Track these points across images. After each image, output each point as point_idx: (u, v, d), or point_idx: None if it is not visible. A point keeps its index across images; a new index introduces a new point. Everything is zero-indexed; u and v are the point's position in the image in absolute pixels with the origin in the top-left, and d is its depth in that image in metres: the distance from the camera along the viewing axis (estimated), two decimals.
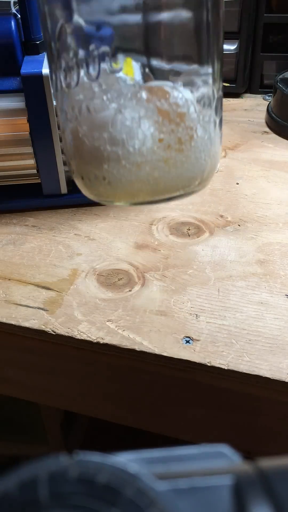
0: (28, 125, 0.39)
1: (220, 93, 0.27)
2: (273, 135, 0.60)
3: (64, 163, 0.43)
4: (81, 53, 0.23)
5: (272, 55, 0.71)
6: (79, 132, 0.25)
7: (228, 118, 0.66)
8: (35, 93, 0.38)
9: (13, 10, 0.38)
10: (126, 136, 0.24)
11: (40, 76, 0.37)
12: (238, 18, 0.66)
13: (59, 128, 0.40)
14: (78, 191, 0.46)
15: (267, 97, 0.72)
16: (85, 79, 0.24)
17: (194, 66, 0.25)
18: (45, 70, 0.37)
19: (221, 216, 0.45)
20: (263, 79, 0.73)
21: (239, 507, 0.11)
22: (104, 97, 0.24)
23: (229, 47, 0.68)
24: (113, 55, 0.23)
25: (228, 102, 0.71)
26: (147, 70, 0.24)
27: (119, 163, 0.25)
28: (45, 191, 0.45)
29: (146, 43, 0.24)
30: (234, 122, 0.64)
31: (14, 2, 0.39)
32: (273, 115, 0.62)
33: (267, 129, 0.62)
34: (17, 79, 0.38)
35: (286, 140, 0.59)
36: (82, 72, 0.24)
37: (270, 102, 0.65)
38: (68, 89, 0.25)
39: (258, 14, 0.67)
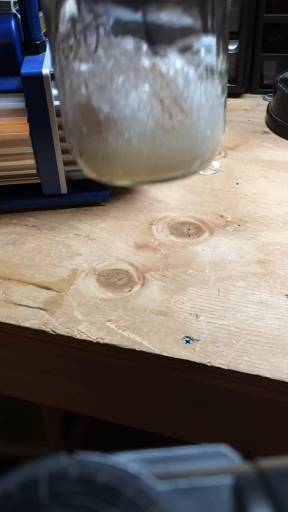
0: (28, 125, 0.39)
1: (225, 67, 0.26)
2: (273, 135, 0.60)
3: (64, 163, 0.43)
4: (80, 21, 0.23)
5: (272, 55, 0.71)
6: (78, 106, 0.25)
7: (228, 118, 0.66)
8: (35, 93, 0.38)
9: (13, 10, 0.38)
10: (124, 107, 0.24)
11: (40, 76, 0.37)
12: (238, 18, 0.66)
13: (59, 129, 0.40)
14: (78, 191, 0.46)
15: (267, 97, 0.72)
16: (84, 49, 0.23)
17: (196, 31, 0.24)
18: (45, 70, 0.37)
19: (221, 216, 0.45)
20: (263, 79, 0.73)
21: (239, 507, 0.11)
22: (104, 67, 0.23)
23: (229, 47, 0.68)
24: (112, 25, 0.23)
25: (228, 102, 0.71)
26: (146, 37, 0.23)
27: (117, 136, 0.24)
28: (45, 191, 0.45)
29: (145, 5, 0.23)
30: (234, 122, 0.64)
31: (14, 2, 0.39)
32: (273, 115, 0.62)
33: (267, 129, 0.62)
34: (17, 79, 0.38)
35: (286, 140, 0.59)
36: (81, 42, 0.23)
37: (270, 102, 0.65)
38: (67, 60, 0.24)
39: (258, 14, 0.67)
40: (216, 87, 0.26)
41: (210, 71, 0.25)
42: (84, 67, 0.24)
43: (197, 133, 0.26)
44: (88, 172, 0.28)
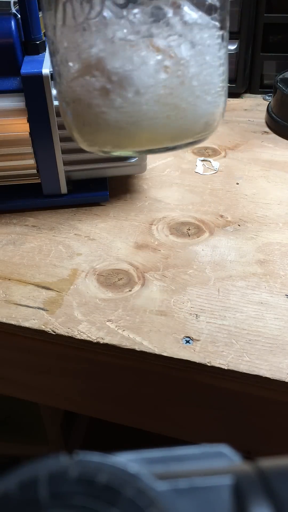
0: (28, 125, 0.39)
1: (226, 24, 0.26)
2: (273, 135, 0.60)
3: (64, 163, 0.43)
4: None
5: (272, 55, 0.71)
6: (76, 70, 0.24)
7: (228, 118, 0.66)
8: (35, 93, 0.38)
9: (13, 10, 0.38)
10: (123, 64, 0.23)
11: (40, 76, 0.37)
12: (238, 18, 0.66)
13: (59, 129, 0.40)
14: (78, 191, 0.46)
15: (267, 97, 0.72)
16: (85, 10, 0.23)
17: None
18: (45, 70, 0.37)
19: (221, 216, 0.45)
20: (263, 79, 0.73)
21: (239, 507, 0.11)
22: (107, 27, 0.23)
23: (229, 47, 0.68)
24: None
25: (228, 102, 0.71)
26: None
27: (116, 98, 0.24)
28: (45, 191, 0.45)
29: None
30: (234, 122, 0.64)
31: (14, 2, 0.39)
32: (273, 115, 0.62)
33: (267, 129, 0.62)
34: (17, 79, 0.38)
35: (286, 140, 0.59)
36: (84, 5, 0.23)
37: (270, 102, 0.65)
38: (63, 24, 0.24)
39: (258, 14, 0.67)
40: (217, 41, 0.26)
41: (213, 28, 0.25)
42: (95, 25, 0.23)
43: (200, 95, 0.25)
44: (86, 146, 0.27)
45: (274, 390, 0.30)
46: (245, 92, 0.74)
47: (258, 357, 0.31)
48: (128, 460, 0.12)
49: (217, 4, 0.25)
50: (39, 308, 0.35)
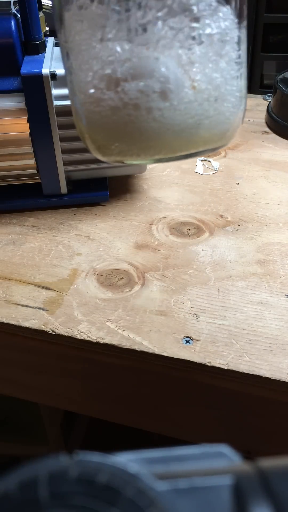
0: (28, 125, 0.39)
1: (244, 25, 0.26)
2: (273, 135, 0.60)
3: (64, 163, 0.43)
4: None
5: (272, 55, 0.71)
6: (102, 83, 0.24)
7: None
8: (35, 93, 0.38)
9: (13, 10, 0.38)
10: (154, 79, 0.23)
11: (40, 76, 0.37)
12: None
13: (59, 129, 0.40)
14: (78, 191, 0.46)
15: (267, 97, 0.72)
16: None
17: None
18: (45, 70, 0.37)
19: (221, 216, 0.45)
20: (263, 79, 0.73)
21: (239, 507, 0.11)
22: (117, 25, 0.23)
23: None
24: None
25: None
26: None
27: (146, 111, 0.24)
28: (45, 191, 0.45)
29: None
30: None
31: (14, 2, 0.39)
32: (273, 115, 0.62)
33: (267, 129, 0.62)
34: (17, 79, 0.38)
35: (286, 140, 0.59)
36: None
37: (270, 102, 0.65)
38: (64, 17, 0.23)
39: (258, 14, 0.67)
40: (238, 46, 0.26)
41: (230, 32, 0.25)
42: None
43: (227, 97, 0.25)
44: (101, 156, 0.27)
45: (274, 390, 0.30)
46: None
47: (258, 357, 0.31)
48: (128, 460, 0.12)
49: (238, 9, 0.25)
50: (39, 308, 0.35)
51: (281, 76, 0.63)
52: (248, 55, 0.72)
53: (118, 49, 0.23)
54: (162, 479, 0.11)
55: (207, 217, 0.44)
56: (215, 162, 0.54)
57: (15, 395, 0.42)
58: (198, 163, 0.53)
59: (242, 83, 0.26)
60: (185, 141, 0.25)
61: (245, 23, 0.26)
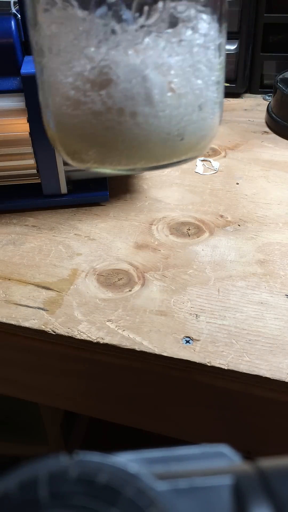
0: (28, 125, 0.39)
1: (224, 34, 0.25)
2: (273, 135, 0.60)
3: (64, 163, 0.43)
4: None
5: (272, 55, 0.71)
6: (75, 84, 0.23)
7: (228, 118, 0.66)
8: (35, 93, 0.38)
9: (13, 10, 0.38)
10: (127, 82, 0.23)
11: None
12: (238, 18, 0.66)
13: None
14: (78, 191, 0.46)
15: (267, 97, 0.72)
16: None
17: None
18: None
19: (221, 216, 0.45)
20: (263, 79, 0.73)
21: (239, 507, 0.11)
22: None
23: (229, 47, 0.68)
24: None
25: (228, 102, 0.71)
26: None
27: (116, 117, 0.23)
28: (45, 191, 0.45)
29: None
30: (234, 122, 0.64)
31: (14, 2, 0.39)
32: (273, 115, 0.62)
33: (267, 129, 0.62)
34: (17, 79, 0.38)
35: (286, 140, 0.59)
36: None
37: (270, 102, 0.65)
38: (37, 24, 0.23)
39: (258, 14, 0.67)
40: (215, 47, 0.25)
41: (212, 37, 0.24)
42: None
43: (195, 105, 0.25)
44: (76, 159, 0.26)
45: (274, 390, 0.30)
46: (245, 92, 0.74)
47: (258, 357, 0.31)
48: (128, 460, 0.12)
49: (218, 15, 0.24)
50: (39, 308, 0.35)
51: (281, 76, 0.63)
52: (248, 55, 0.72)
53: (101, 52, 0.23)
54: (162, 479, 0.11)
55: (207, 217, 0.44)
56: (215, 162, 0.54)
57: (15, 395, 0.42)
58: (198, 163, 0.53)
59: (221, 89, 0.26)
60: (168, 149, 0.25)
61: (225, 27, 0.25)
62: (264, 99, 0.72)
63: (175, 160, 0.26)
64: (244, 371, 0.30)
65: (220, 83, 0.26)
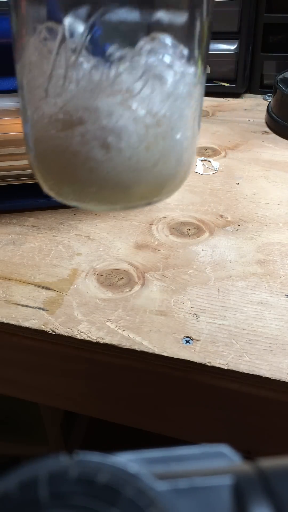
0: None
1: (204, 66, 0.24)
2: (273, 135, 0.60)
3: None
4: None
5: (272, 55, 0.71)
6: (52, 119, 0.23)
7: (228, 118, 0.66)
8: None
9: None
10: (101, 118, 0.22)
11: None
12: (238, 18, 0.66)
13: None
14: None
15: (267, 97, 0.72)
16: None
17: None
18: None
19: (221, 216, 0.45)
20: (263, 79, 0.73)
21: (239, 507, 0.11)
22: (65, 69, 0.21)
23: (229, 47, 0.68)
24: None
25: (228, 102, 0.71)
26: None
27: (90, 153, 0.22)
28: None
29: None
30: (234, 122, 0.64)
31: None
32: (273, 115, 0.62)
33: (267, 129, 0.62)
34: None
35: (286, 140, 0.59)
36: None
37: (270, 102, 0.65)
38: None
39: (258, 14, 0.67)
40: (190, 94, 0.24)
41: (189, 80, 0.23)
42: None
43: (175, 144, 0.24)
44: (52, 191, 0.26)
45: (274, 390, 0.30)
46: (245, 92, 0.74)
47: (258, 357, 0.31)
48: (128, 460, 0.12)
49: (197, 52, 0.23)
50: (39, 308, 0.35)
51: (281, 76, 0.63)
52: (248, 55, 0.72)
53: (68, 93, 0.22)
54: (162, 479, 0.11)
55: (207, 217, 0.44)
56: (215, 162, 0.54)
57: (15, 395, 0.42)
58: (198, 163, 0.53)
59: (197, 126, 0.25)
60: (140, 190, 0.24)
61: (204, 72, 0.25)
62: (264, 99, 0.72)
63: (144, 201, 0.25)
64: (244, 371, 0.30)
65: (195, 122, 0.25)
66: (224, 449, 0.13)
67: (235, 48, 0.68)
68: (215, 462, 0.12)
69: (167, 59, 0.22)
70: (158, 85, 0.22)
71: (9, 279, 0.37)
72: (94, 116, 0.22)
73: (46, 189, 0.26)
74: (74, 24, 0.21)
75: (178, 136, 0.24)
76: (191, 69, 0.23)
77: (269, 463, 0.12)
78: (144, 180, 0.24)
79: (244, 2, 0.65)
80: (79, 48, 0.21)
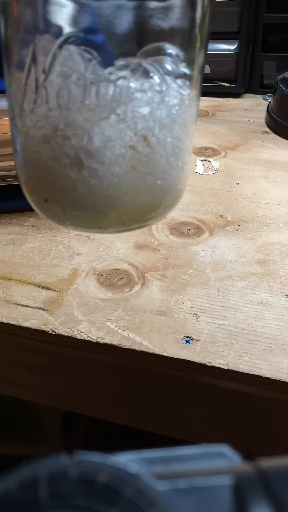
0: None
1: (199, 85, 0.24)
2: (273, 135, 0.60)
3: None
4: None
5: (272, 55, 0.71)
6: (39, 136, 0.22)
7: (228, 118, 0.66)
8: None
9: None
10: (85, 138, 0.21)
11: None
12: (238, 18, 0.66)
13: None
14: None
15: (267, 97, 0.72)
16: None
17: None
18: None
19: (221, 216, 0.45)
20: (263, 79, 0.73)
21: (239, 507, 0.11)
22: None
23: (229, 47, 0.68)
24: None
25: (228, 102, 0.71)
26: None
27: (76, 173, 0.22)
28: None
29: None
30: (234, 122, 0.64)
31: None
32: (273, 115, 0.62)
33: (267, 129, 0.62)
34: None
35: (286, 140, 0.59)
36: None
37: (270, 102, 0.65)
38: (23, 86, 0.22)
39: (258, 14, 0.67)
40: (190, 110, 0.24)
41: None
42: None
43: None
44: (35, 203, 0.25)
45: (274, 390, 0.30)
46: (245, 92, 0.74)
47: (258, 357, 0.31)
48: (128, 460, 0.12)
49: (190, 73, 0.23)
50: (39, 308, 0.35)
51: (281, 76, 0.63)
52: (248, 55, 0.72)
53: (42, 108, 0.22)
54: (162, 479, 0.11)
55: (207, 217, 0.44)
56: (215, 162, 0.54)
57: (15, 395, 0.42)
58: (198, 163, 0.53)
59: (190, 148, 0.25)
60: (142, 209, 0.24)
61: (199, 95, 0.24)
62: (264, 99, 0.72)
63: (123, 228, 0.25)
64: (244, 371, 0.30)
65: (187, 154, 0.24)
66: (224, 449, 0.13)
67: (235, 48, 0.68)
68: (215, 462, 0.12)
69: (141, 85, 0.21)
70: (135, 109, 0.21)
71: (9, 279, 0.37)
72: (67, 134, 0.22)
73: (34, 207, 0.26)
74: (44, 44, 0.21)
75: (153, 164, 0.23)
76: (173, 97, 0.22)
77: (269, 463, 0.12)
78: (116, 207, 0.23)
79: (244, 2, 0.65)
80: (48, 68, 0.21)
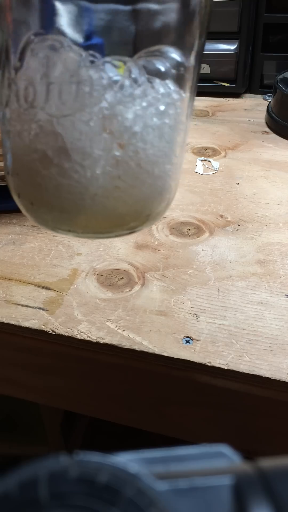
0: None
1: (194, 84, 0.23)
2: (273, 135, 0.60)
3: None
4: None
5: (272, 55, 0.71)
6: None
7: (228, 118, 0.66)
8: None
9: None
10: (74, 138, 0.21)
11: None
12: (238, 18, 0.66)
13: None
14: None
15: (267, 97, 0.72)
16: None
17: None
18: None
19: (221, 216, 0.45)
20: (263, 79, 0.73)
21: (239, 507, 0.11)
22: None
23: (229, 47, 0.68)
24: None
25: (228, 102, 0.71)
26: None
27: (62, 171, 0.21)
28: None
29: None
30: (234, 122, 0.64)
31: None
32: (273, 115, 0.62)
33: (267, 129, 0.62)
34: None
35: (286, 140, 0.59)
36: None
37: (270, 102, 0.65)
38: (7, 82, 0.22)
39: (258, 14, 0.67)
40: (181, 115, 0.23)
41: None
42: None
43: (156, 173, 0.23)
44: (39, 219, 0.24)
45: (274, 390, 0.30)
46: (245, 92, 0.74)
47: (258, 357, 0.31)
48: (128, 460, 0.12)
49: (186, 75, 0.22)
50: (39, 308, 0.35)
51: (281, 76, 0.63)
52: (248, 55, 0.72)
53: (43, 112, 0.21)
54: (162, 479, 0.11)
55: (207, 217, 0.44)
56: (215, 162, 0.54)
57: (15, 395, 0.42)
58: (198, 163, 0.53)
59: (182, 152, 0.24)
60: (109, 219, 0.23)
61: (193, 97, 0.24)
62: (264, 99, 0.72)
63: (112, 234, 0.24)
64: (244, 371, 0.30)
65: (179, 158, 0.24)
66: (224, 449, 0.13)
67: (235, 48, 0.68)
68: (215, 462, 0.12)
69: (112, 82, 0.21)
70: (122, 113, 0.21)
71: (9, 279, 0.37)
72: (36, 132, 0.21)
73: (23, 210, 0.25)
74: (16, 41, 0.20)
75: (124, 168, 0.22)
76: (161, 103, 0.22)
77: (269, 463, 0.12)
78: (84, 209, 0.23)
79: (244, 2, 0.65)
80: (18, 64, 0.21)
